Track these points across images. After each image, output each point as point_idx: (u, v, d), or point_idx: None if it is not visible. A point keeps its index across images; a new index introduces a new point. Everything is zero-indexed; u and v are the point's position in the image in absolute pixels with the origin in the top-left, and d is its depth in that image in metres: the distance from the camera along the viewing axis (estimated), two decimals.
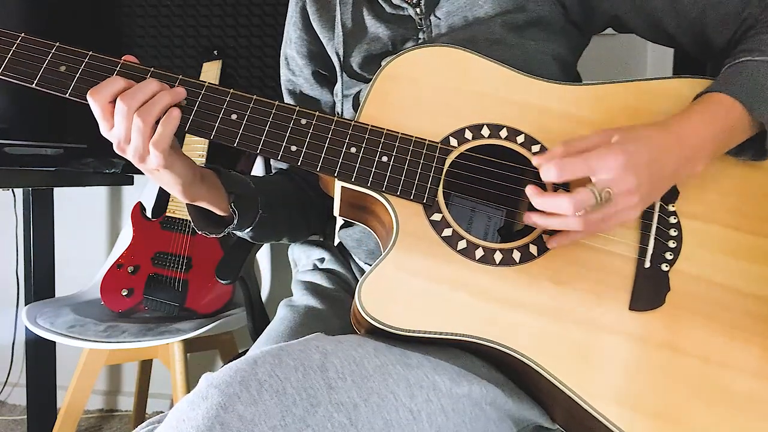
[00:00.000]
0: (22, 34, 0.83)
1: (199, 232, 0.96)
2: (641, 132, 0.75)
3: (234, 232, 0.98)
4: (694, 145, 0.77)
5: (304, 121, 0.83)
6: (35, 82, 0.82)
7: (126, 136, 0.79)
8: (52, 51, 0.82)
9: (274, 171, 1.18)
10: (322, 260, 1.14)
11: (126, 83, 0.79)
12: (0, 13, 1.91)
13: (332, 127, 0.83)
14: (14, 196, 2.15)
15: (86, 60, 0.82)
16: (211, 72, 1.90)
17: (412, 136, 0.83)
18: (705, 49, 0.93)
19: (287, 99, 1.15)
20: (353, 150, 0.82)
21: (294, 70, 1.12)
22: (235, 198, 0.93)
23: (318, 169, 0.82)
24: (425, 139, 0.83)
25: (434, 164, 0.82)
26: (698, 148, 0.77)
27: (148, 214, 1.85)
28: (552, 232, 0.80)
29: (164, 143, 0.79)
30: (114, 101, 0.78)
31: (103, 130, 0.81)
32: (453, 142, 0.84)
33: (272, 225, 1.03)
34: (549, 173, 0.72)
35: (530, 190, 0.74)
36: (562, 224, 0.74)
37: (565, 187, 0.81)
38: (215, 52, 1.95)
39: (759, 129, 0.80)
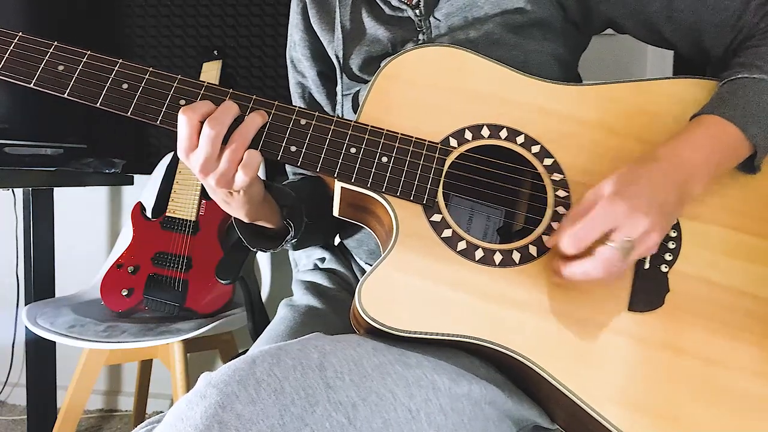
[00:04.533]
0: (20, 33, 0.83)
1: (253, 249, 0.97)
2: (633, 171, 0.75)
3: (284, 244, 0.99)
4: (689, 169, 0.77)
5: (303, 122, 0.83)
6: (33, 81, 0.81)
7: (214, 160, 0.78)
8: (50, 50, 0.82)
9: (295, 177, 1.17)
10: (322, 260, 1.14)
11: (213, 107, 0.79)
12: None
13: (332, 127, 0.83)
14: (14, 196, 2.15)
15: (84, 59, 0.82)
16: (211, 72, 1.90)
17: (412, 137, 0.83)
18: (702, 55, 0.93)
19: (297, 103, 1.14)
20: (353, 150, 0.82)
21: (302, 72, 1.12)
22: (288, 211, 0.94)
23: (318, 170, 0.82)
24: (425, 140, 0.83)
25: (434, 165, 0.82)
26: (694, 171, 0.77)
27: (148, 214, 1.86)
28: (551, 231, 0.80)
29: (254, 169, 0.79)
30: (200, 122, 0.78)
31: (184, 152, 0.80)
32: (453, 142, 0.84)
33: (314, 231, 1.04)
34: (568, 248, 0.73)
35: (560, 265, 0.75)
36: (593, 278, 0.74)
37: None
38: (215, 52, 1.94)
39: (753, 150, 0.80)
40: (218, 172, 0.79)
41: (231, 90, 0.83)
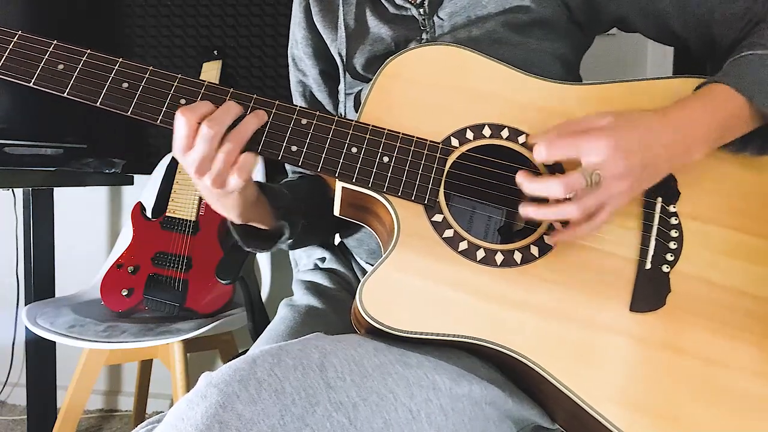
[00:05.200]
0: (19, 32, 0.82)
1: (247, 249, 0.96)
2: (635, 117, 0.76)
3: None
4: (690, 133, 0.77)
5: (304, 121, 0.83)
6: (33, 80, 0.81)
7: (210, 160, 0.78)
8: (50, 49, 0.82)
9: (294, 176, 1.17)
10: (323, 260, 1.14)
11: (213, 107, 0.79)
12: None
13: (333, 127, 0.83)
14: (14, 196, 2.15)
15: (84, 58, 0.82)
16: (211, 72, 1.90)
17: (414, 137, 0.83)
18: (710, 49, 0.93)
19: (298, 102, 1.14)
20: (354, 150, 0.82)
21: (304, 71, 1.12)
22: (283, 213, 0.93)
23: (319, 170, 0.82)
24: (426, 140, 0.83)
25: (435, 165, 0.82)
26: (695, 136, 0.77)
27: (148, 214, 1.86)
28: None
29: (248, 170, 0.79)
30: (199, 122, 0.77)
31: (180, 151, 0.79)
32: (454, 142, 0.84)
33: (311, 231, 1.04)
34: (539, 151, 0.73)
35: (520, 177, 0.75)
36: (557, 212, 0.74)
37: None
38: (215, 52, 1.95)
39: (761, 122, 0.80)
40: (213, 172, 0.78)
41: (231, 89, 0.83)
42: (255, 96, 0.83)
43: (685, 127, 0.77)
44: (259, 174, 1.86)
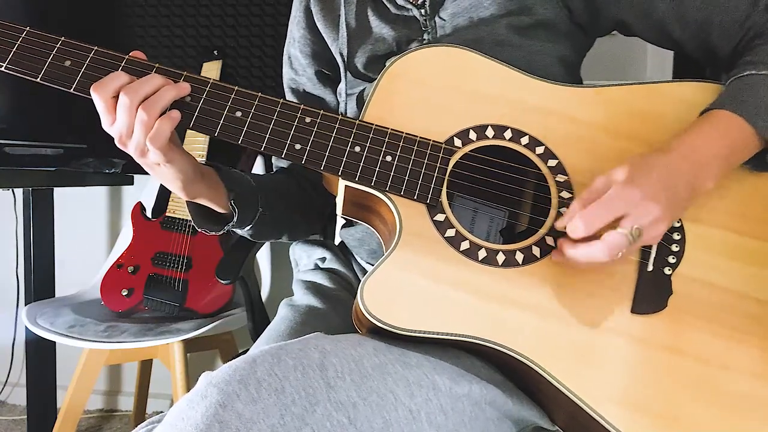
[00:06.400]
0: (27, 28, 0.83)
1: (199, 230, 0.97)
2: (645, 161, 0.76)
3: (233, 229, 0.98)
4: (700, 163, 0.77)
5: (308, 120, 0.83)
6: (40, 76, 0.81)
7: (128, 130, 0.79)
8: (57, 45, 0.82)
9: (275, 169, 1.18)
10: (323, 260, 1.14)
11: (129, 78, 0.79)
12: None
13: (336, 125, 0.83)
14: (14, 196, 2.15)
15: (91, 55, 0.82)
16: (211, 72, 1.90)
17: (417, 136, 0.83)
18: (710, 55, 0.93)
19: (290, 97, 1.15)
20: (357, 149, 0.82)
21: (297, 70, 1.12)
22: (235, 196, 0.93)
23: (322, 168, 0.82)
24: (429, 139, 0.83)
25: (438, 164, 0.82)
26: (705, 166, 0.77)
27: (148, 214, 1.85)
28: (556, 233, 0.80)
29: (161, 140, 0.79)
30: (117, 96, 0.78)
31: (105, 125, 0.81)
32: (457, 142, 0.84)
33: (272, 223, 1.03)
34: (577, 230, 0.72)
35: (564, 245, 0.76)
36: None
37: None
38: (215, 52, 1.94)
39: (764, 145, 0.80)
40: (133, 141, 0.80)
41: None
42: (260, 95, 0.83)
43: (693, 157, 0.77)
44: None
